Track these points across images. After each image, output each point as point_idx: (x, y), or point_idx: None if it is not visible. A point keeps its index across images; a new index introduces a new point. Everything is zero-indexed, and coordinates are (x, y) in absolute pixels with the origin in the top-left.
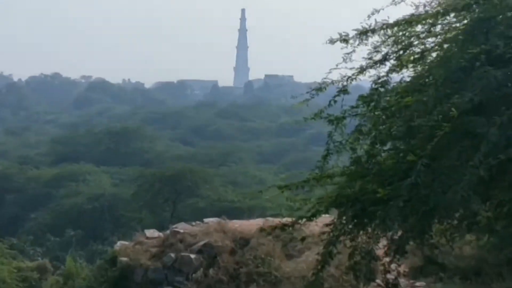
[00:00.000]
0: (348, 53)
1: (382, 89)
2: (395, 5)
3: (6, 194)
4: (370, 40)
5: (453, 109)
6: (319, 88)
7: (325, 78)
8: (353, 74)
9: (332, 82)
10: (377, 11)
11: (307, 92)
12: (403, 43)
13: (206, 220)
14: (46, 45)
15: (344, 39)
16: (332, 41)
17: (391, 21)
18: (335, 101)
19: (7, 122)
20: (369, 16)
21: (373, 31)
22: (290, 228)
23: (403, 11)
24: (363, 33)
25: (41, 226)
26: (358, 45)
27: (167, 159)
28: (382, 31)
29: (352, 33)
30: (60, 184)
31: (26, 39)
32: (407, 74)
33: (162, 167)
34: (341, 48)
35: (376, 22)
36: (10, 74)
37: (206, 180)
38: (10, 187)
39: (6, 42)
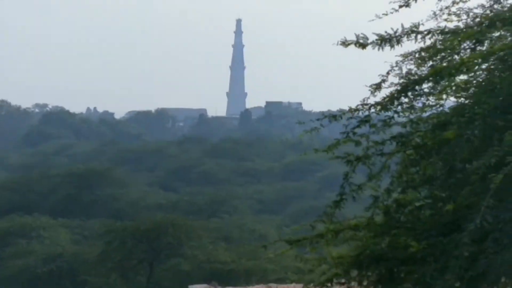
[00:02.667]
0: (376, 85)
1: (414, 122)
2: (422, 39)
3: None
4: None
5: None
6: (334, 115)
7: (343, 111)
8: (378, 102)
9: (351, 110)
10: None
11: (318, 119)
12: (442, 64)
13: (191, 286)
14: None
15: (361, 43)
16: (345, 44)
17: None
18: (354, 133)
19: None
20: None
21: (398, 38)
22: None
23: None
24: (385, 40)
25: None
26: (388, 73)
27: (143, 209)
28: (412, 37)
29: (372, 37)
30: (7, 242)
31: None
32: (447, 102)
33: (137, 220)
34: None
35: (402, 27)
36: None
37: (192, 235)
38: None
39: None
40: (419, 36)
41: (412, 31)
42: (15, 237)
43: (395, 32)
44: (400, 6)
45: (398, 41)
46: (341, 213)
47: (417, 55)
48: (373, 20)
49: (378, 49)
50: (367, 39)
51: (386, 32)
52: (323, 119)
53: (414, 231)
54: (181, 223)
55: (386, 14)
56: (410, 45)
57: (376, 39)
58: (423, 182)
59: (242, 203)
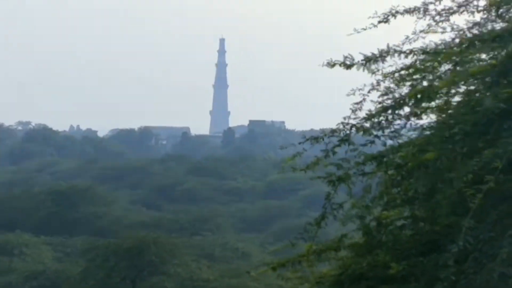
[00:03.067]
0: (358, 103)
1: (394, 143)
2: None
3: None
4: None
5: (497, 160)
6: (315, 138)
7: (324, 131)
8: (358, 123)
9: (333, 132)
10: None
11: (300, 143)
12: (422, 85)
13: None
14: None
15: (347, 64)
16: (331, 64)
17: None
18: (334, 152)
19: None
20: (366, 61)
21: (383, 58)
22: None
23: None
24: (370, 60)
25: None
26: (369, 92)
27: (125, 227)
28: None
29: (358, 58)
30: None
31: None
32: (426, 122)
33: (119, 237)
34: (348, 95)
35: (388, 47)
36: None
37: (175, 253)
38: None
39: None
40: (402, 56)
41: (395, 51)
42: None
43: (381, 52)
44: (379, 22)
45: (383, 61)
46: (324, 231)
47: (396, 75)
48: (351, 34)
49: (363, 69)
50: (353, 59)
51: (371, 52)
52: (305, 141)
53: (395, 250)
54: (164, 241)
55: (365, 29)
56: (391, 63)
57: (362, 60)
58: (404, 202)
59: (225, 222)
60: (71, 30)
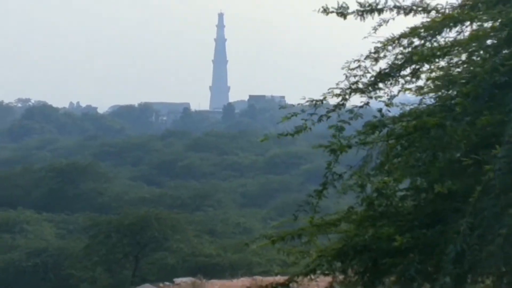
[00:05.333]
0: (353, 69)
1: (393, 112)
2: (405, 15)
3: None
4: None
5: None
6: (314, 101)
7: (323, 96)
8: (356, 88)
9: (332, 96)
10: (385, 21)
11: (298, 104)
12: (422, 55)
13: (177, 280)
14: None
15: (342, 13)
16: (326, 11)
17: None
18: (328, 117)
19: None
20: (375, 29)
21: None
22: None
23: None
24: (366, 10)
25: None
26: (371, 64)
27: (127, 203)
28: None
29: (353, 7)
30: None
31: None
32: (427, 93)
33: (121, 213)
34: (348, 68)
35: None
36: None
37: (177, 229)
38: None
39: None
40: (402, 11)
41: (395, 6)
42: None
43: (377, 4)
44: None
45: (380, 12)
46: (323, 205)
47: (396, 39)
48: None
49: (360, 19)
50: (348, 8)
51: (368, 3)
52: (304, 103)
53: (398, 222)
54: (165, 216)
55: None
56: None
57: (358, 10)
58: (406, 173)
59: (226, 197)
60: (70, 7)
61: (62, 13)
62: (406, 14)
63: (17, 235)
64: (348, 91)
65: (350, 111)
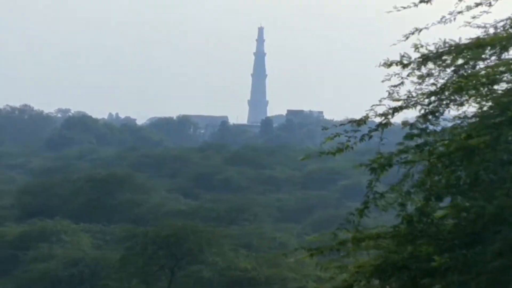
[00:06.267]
0: (395, 86)
1: (437, 129)
2: (444, 23)
3: None
4: (423, 69)
5: None
6: (357, 120)
7: (367, 112)
8: (399, 106)
9: (376, 115)
10: (419, 30)
11: (341, 124)
12: (466, 71)
13: None
14: (14, 72)
15: (403, 63)
16: (387, 64)
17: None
18: (370, 136)
19: None
20: (407, 37)
21: (433, 57)
22: None
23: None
24: (426, 59)
25: None
26: (408, 75)
27: (164, 215)
28: (441, 57)
29: (413, 56)
30: (28, 245)
31: None
32: (470, 110)
33: (157, 225)
34: (384, 80)
35: (439, 45)
36: None
37: (213, 242)
38: None
39: None
40: (457, 52)
41: (450, 48)
42: (37, 242)
43: (437, 49)
44: (420, 2)
45: (440, 58)
46: (363, 222)
47: (439, 61)
48: (390, 11)
49: (420, 68)
50: (410, 58)
51: (428, 50)
52: (347, 124)
53: (437, 241)
54: (202, 230)
55: (405, 8)
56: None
57: (419, 57)
58: (447, 191)
59: (262, 211)
60: (110, 18)
61: (103, 27)
62: (461, 53)
63: (54, 245)
64: (391, 111)
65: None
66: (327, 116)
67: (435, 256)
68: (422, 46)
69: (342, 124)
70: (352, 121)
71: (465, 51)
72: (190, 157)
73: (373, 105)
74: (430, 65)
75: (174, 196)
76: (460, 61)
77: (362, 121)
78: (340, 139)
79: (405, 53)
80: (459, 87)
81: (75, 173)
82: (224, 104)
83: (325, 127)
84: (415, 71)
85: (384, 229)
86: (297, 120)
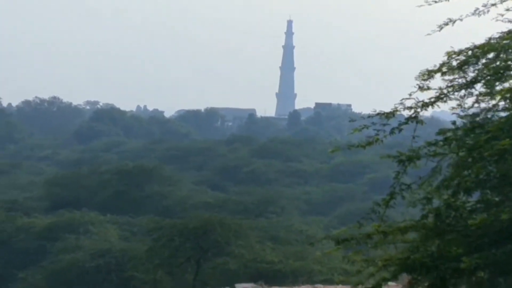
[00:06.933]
0: (425, 80)
1: (468, 124)
2: (478, 15)
3: None
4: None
5: None
6: (385, 113)
7: (395, 108)
8: (429, 100)
9: (404, 109)
10: (453, 21)
11: (369, 116)
12: (497, 67)
13: (238, 286)
14: (43, 64)
15: (441, 70)
16: (426, 74)
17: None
18: (400, 130)
19: None
20: (441, 27)
21: (464, 63)
22: None
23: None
24: (467, 62)
25: None
26: (438, 70)
27: (191, 207)
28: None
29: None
30: (56, 236)
31: (18, 56)
32: (501, 105)
33: (184, 217)
34: (422, 78)
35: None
36: None
37: (239, 234)
38: None
39: None
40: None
41: (485, 46)
42: (64, 233)
43: (474, 53)
44: None
45: (477, 60)
46: (390, 216)
47: (470, 52)
48: (421, 5)
49: (458, 72)
50: (451, 64)
51: (465, 55)
52: (375, 116)
53: (466, 237)
54: (229, 222)
55: (436, 2)
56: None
57: (458, 63)
58: (475, 185)
59: (289, 204)
60: (139, 12)
61: (132, 20)
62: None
63: (81, 236)
64: (420, 104)
65: (420, 121)
66: (356, 109)
67: (464, 256)
68: (455, 53)
69: (370, 116)
70: (380, 114)
71: (497, 44)
72: (218, 150)
73: (403, 99)
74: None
75: (201, 188)
76: (491, 55)
77: (391, 114)
78: (368, 131)
79: (444, 61)
80: (488, 85)
81: (102, 165)
82: (252, 97)
83: (352, 119)
84: (445, 63)
85: (411, 223)
86: (325, 113)
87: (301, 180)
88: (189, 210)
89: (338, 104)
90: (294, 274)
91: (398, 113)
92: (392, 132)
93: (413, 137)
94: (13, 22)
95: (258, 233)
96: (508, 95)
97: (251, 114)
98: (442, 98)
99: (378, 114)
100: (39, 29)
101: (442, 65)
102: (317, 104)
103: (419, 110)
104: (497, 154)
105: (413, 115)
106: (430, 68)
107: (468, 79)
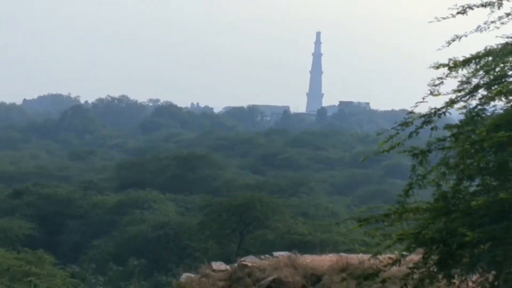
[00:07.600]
0: (436, 85)
1: (471, 121)
2: (480, 32)
3: (69, 220)
4: (460, 71)
5: None
6: (405, 123)
7: (411, 110)
8: (441, 107)
9: (420, 117)
10: (459, 37)
11: (392, 128)
12: (496, 74)
13: (275, 253)
14: (114, 67)
15: (449, 65)
16: (437, 67)
17: (479, 49)
18: (417, 133)
19: (72, 146)
20: (449, 43)
21: (467, 61)
22: (375, 278)
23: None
24: (467, 62)
25: (103, 254)
26: (446, 76)
27: (235, 187)
28: (475, 61)
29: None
30: (124, 211)
31: (94, 61)
32: (499, 105)
33: (230, 196)
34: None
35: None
36: (77, 96)
37: (276, 210)
38: (73, 213)
39: (74, 64)
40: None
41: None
42: (131, 208)
43: (478, 54)
44: (458, 13)
45: (480, 61)
46: (411, 200)
47: (473, 62)
48: (432, 22)
49: (464, 68)
50: (456, 60)
51: (471, 54)
52: (397, 127)
53: (469, 216)
54: (267, 200)
55: (444, 18)
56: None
57: (464, 59)
58: (477, 172)
59: (317, 186)
60: (191, 17)
61: (183, 24)
62: (499, 57)
63: (145, 211)
64: (433, 112)
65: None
66: (373, 106)
67: (467, 232)
68: (459, 62)
69: (392, 128)
70: (401, 124)
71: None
72: (258, 140)
73: (417, 102)
74: (468, 69)
75: (244, 172)
76: (493, 64)
77: (410, 123)
78: (390, 132)
79: (453, 57)
80: (489, 90)
81: (162, 152)
82: (286, 96)
83: (380, 132)
84: (453, 72)
85: (422, 204)
86: (347, 110)
87: (327, 165)
88: (234, 190)
89: (359, 102)
90: (322, 244)
91: (415, 115)
92: (410, 135)
93: (428, 142)
94: (92, 32)
95: (291, 209)
96: (504, 90)
97: (285, 110)
98: (451, 105)
99: (399, 124)
100: (110, 35)
101: (450, 59)
102: (341, 102)
103: (432, 116)
104: (495, 145)
105: (426, 120)
106: (440, 63)
107: (472, 86)
